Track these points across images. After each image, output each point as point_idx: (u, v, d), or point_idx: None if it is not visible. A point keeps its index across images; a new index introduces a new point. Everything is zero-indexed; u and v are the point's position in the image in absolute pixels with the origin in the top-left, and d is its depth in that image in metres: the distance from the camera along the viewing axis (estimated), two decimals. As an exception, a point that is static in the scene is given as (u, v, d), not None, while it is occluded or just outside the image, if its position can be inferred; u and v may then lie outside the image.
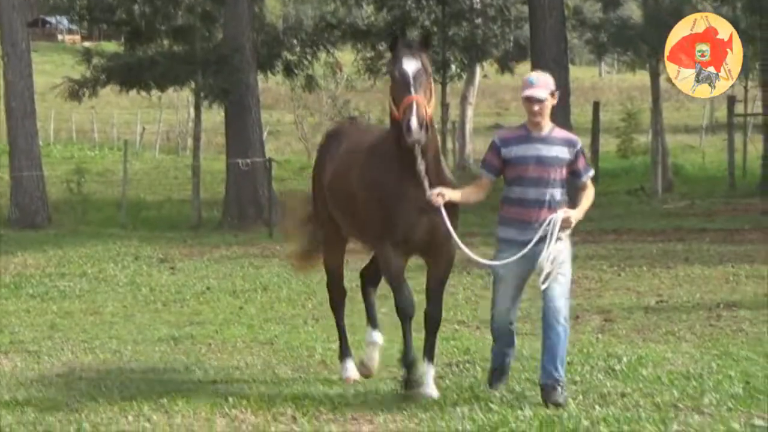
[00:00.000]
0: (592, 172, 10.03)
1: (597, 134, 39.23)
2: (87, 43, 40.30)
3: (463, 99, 45.56)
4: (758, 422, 9.18)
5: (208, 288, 19.46)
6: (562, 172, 9.68)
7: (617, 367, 11.34)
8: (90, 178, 37.74)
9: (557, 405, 9.40)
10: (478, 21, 40.92)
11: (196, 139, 34.33)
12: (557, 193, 9.63)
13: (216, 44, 32.23)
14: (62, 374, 12.47)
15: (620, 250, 22.43)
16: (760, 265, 18.88)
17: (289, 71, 34.87)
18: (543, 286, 9.51)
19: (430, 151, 9.65)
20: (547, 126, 9.73)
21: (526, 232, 9.55)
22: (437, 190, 9.57)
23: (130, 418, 10.14)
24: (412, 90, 9.27)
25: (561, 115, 33.00)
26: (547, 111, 9.67)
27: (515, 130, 10.07)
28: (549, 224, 9.44)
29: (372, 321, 11.33)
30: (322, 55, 37.02)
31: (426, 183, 9.66)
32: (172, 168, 45.00)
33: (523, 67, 38.68)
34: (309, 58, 35.43)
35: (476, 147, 45.63)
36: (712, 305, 16.15)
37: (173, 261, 23.21)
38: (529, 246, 9.43)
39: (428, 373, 10.18)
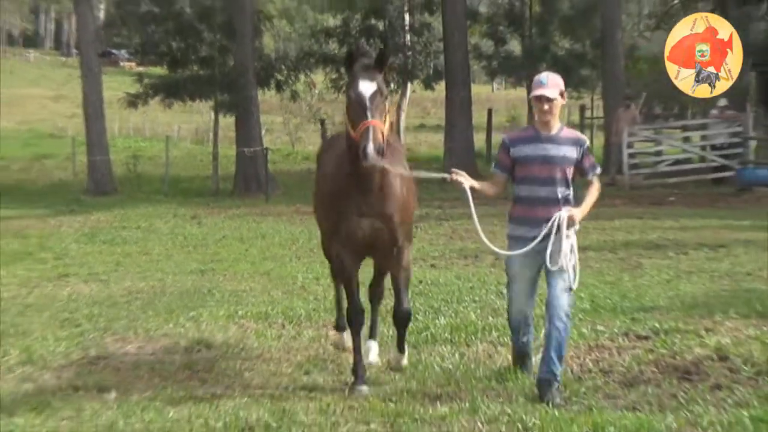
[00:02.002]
0: (598, 170, 7.47)
1: (490, 131, 39.59)
2: (140, 68, 39.84)
3: (398, 107, 45.36)
4: (600, 328, 9.25)
5: (224, 236, 19.36)
6: (569, 171, 7.25)
7: (504, 291, 11.36)
8: (143, 161, 37.45)
9: (549, 403, 6.92)
10: (410, 53, 41.07)
11: (215, 134, 34.25)
12: (564, 192, 7.22)
13: (229, 69, 32.04)
14: (124, 295, 12.43)
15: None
16: (603, 221, 18.94)
17: (279, 87, 34.66)
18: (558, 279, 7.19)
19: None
20: (556, 126, 7.28)
21: (535, 230, 7.17)
22: (456, 176, 7.22)
23: (171, 325, 10.14)
24: (369, 114, 6.79)
25: (465, 119, 33.14)
26: (557, 110, 7.23)
27: (525, 130, 7.65)
28: (554, 222, 7.07)
29: (372, 332, 8.49)
30: (302, 76, 36.86)
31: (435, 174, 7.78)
32: (199, 154, 44.73)
33: (440, 86, 38.68)
34: (293, 78, 35.26)
35: (407, 140, 45.82)
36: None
37: (200, 218, 23.08)
38: (536, 242, 7.10)
39: (401, 359, 7.99)
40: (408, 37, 41.68)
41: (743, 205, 22.88)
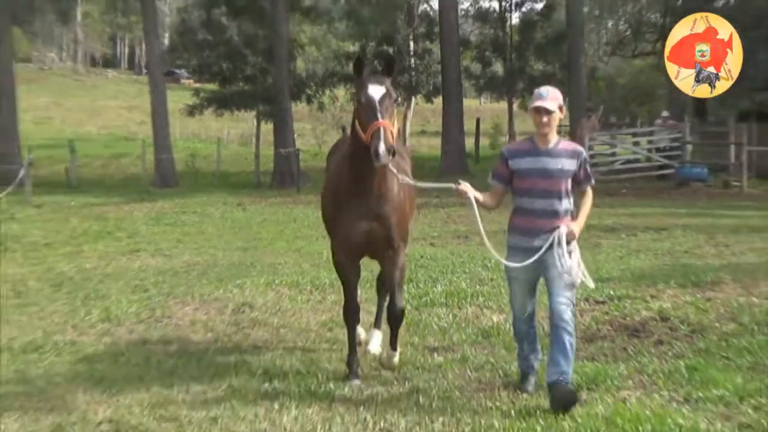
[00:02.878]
0: (592, 182, 6.07)
1: (478, 136, 39.59)
2: (197, 85, 39.80)
3: (405, 117, 45.34)
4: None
5: (264, 220, 19.38)
6: (568, 183, 5.87)
7: (489, 264, 11.35)
8: (199, 159, 37.38)
9: (570, 400, 5.55)
10: (414, 73, 41.11)
11: (257, 138, 34.35)
12: (564, 203, 5.85)
13: (268, 85, 31.99)
14: (183, 267, 12.43)
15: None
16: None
17: (309, 100, 34.67)
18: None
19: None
20: (554, 139, 5.87)
21: (533, 240, 5.80)
22: (462, 186, 5.96)
23: (221, 291, 10.12)
24: (379, 115, 5.66)
25: (458, 126, 33.03)
26: (555, 123, 5.82)
27: (523, 142, 6.10)
28: (554, 237, 5.74)
29: (376, 322, 7.29)
30: (327, 91, 36.84)
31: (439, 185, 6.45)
32: (244, 154, 44.46)
33: (438, 100, 38.62)
34: (320, 93, 35.26)
35: (411, 144, 45.74)
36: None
37: (245, 205, 23.10)
38: (540, 253, 5.73)
39: (393, 357, 6.62)
40: (412, 60, 41.80)
41: (681, 196, 22.96)
